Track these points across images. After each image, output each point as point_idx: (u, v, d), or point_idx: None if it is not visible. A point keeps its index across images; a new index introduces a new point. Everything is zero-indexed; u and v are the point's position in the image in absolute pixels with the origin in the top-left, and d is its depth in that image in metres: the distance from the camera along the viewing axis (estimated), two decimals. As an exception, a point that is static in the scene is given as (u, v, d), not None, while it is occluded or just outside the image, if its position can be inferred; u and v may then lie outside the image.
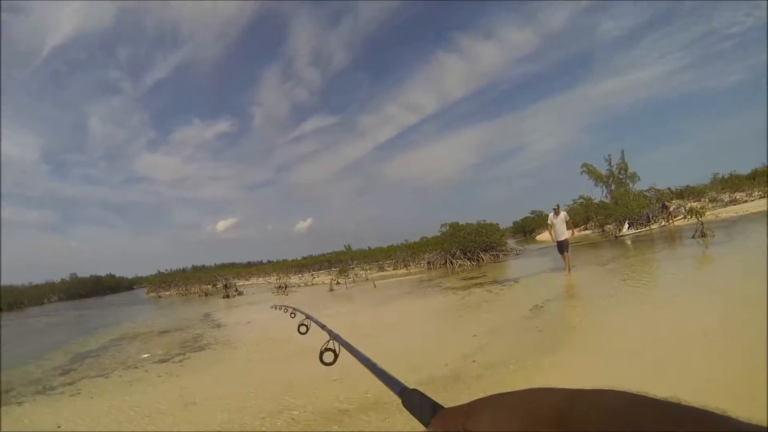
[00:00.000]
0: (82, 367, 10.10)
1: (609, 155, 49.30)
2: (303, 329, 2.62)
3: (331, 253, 51.70)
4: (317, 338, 2.14)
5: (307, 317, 2.62)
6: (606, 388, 0.42)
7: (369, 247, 48.71)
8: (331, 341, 1.60)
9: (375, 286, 22.23)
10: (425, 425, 0.59)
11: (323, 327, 1.92)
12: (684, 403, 0.37)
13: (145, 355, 10.66)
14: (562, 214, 14.37)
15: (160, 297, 41.07)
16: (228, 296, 28.27)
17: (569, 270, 13.91)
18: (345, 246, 50.66)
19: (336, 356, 1.59)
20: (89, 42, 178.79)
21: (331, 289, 24.03)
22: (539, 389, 0.46)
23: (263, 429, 5.14)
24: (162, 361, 9.64)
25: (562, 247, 14.31)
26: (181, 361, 9.51)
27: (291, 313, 2.83)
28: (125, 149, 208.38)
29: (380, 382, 0.87)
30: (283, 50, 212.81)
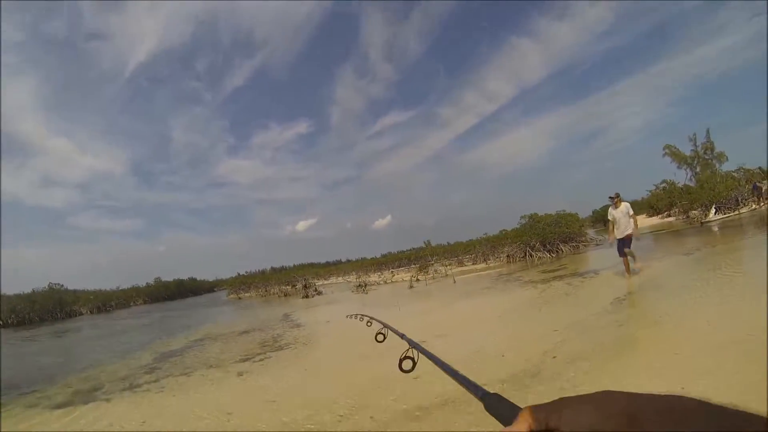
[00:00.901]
0: (166, 366, 10.68)
1: (694, 134, 46.29)
2: (380, 338, 2.65)
3: (410, 250, 51.77)
4: (397, 339, 2.09)
5: (384, 326, 2.63)
6: (677, 395, 0.47)
7: (448, 243, 48.50)
8: (410, 350, 1.66)
9: (455, 281, 22.15)
10: (506, 425, 0.63)
11: (402, 336, 2.01)
12: (755, 412, 0.41)
13: (226, 355, 11.04)
14: (624, 205, 11.92)
15: (240, 298, 42.89)
16: (307, 296, 29.02)
17: (630, 271, 11.92)
18: (424, 242, 50.55)
19: (414, 364, 1.65)
20: (169, 57, 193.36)
21: (411, 287, 24.14)
22: (614, 392, 0.51)
23: (341, 428, 5.18)
24: (242, 361, 10.01)
25: (623, 245, 11.90)
26: (261, 360, 9.83)
27: (367, 322, 2.86)
28: (207, 156, 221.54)
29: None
30: (357, 47, 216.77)
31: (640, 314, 7.88)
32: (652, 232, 29.19)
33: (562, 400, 0.54)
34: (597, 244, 28.06)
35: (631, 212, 11.85)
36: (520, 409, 0.61)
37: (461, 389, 0.92)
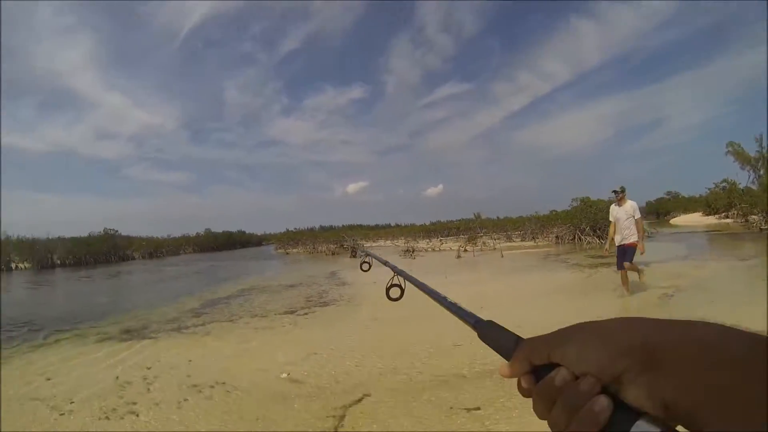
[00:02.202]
0: (212, 312, 11.25)
1: (761, 135, 43.45)
2: (365, 267, 2.67)
3: (459, 221, 51.28)
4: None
5: (367, 254, 2.66)
6: (699, 321, 0.43)
7: (498, 217, 47.81)
8: (395, 277, 1.64)
9: (502, 256, 22.10)
10: (506, 357, 0.58)
11: (386, 263, 1.96)
12: None
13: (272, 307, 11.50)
14: (629, 204, 9.67)
15: (287, 253, 44.02)
16: (355, 256, 29.46)
17: (628, 289, 9.71)
18: (474, 214, 50.11)
19: (402, 291, 1.66)
20: (223, 20, 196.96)
21: (459, 256, 24.28)
22: (627, 318, 0.47)
23: (380, 384, 5.41)
24: (287, 313, 10.39)
25: (623, 256, 9.74)
26: (305, 314, 10.22)
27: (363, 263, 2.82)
28: (259, 115, 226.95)
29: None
30: (413, 18, 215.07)
31: (686, 312, 7.72)
32: (707, 231, 28.15)
33: (569, 330, 0.49)
34: (648, 236, 27.28)
35: (638, 215, 9.61)
36: (520, 339, 0.58)
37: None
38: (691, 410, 0.38)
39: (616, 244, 9.88)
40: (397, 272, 1.61)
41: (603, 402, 0.43)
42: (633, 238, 9.47)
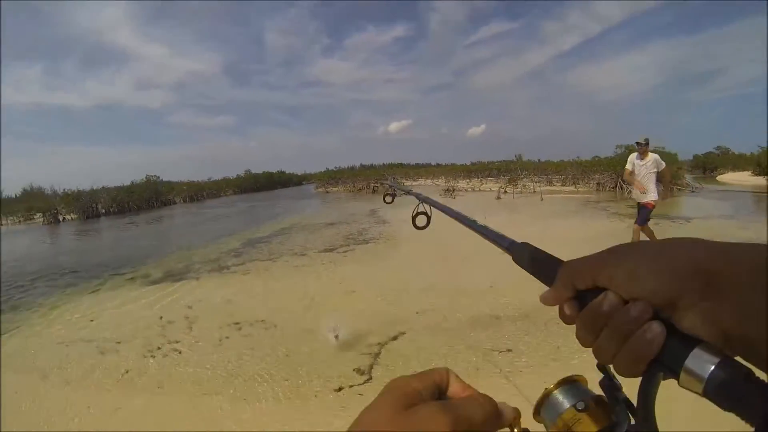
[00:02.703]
0: (253, 252, 11.49)
1: None
2: (389, 199, 2.61)
3: (500, 162, 50.58)
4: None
5: (391, 186, 2.59)
6: (748, 243, 0.39)
7: (539, 160, 46.95)
8: (421, 204, 1.62)
9: (542, 199, 21.72)
10: (546, 282, 0.54)
11: (409, 192, 1.90)
12: None
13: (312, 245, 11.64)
14: (652, 158, 8.66)
15: (327, 192, 44.36)
16: (395, 195, 29.48)
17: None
18: (516, 156, 49.43)
19: (429, 219, 1.64)
20: None
21: (498, 198, 24.08)
22: (683, 239, 0.43)
23: (414, 323, 5.49)
24: (327, 251, 10.54)
25: (643, 214, 8.76)
26: (344, 252, 10.33)
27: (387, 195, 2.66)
28: (301, 56, 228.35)
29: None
30: None
31: None
32: (755, 191, 26.96)
33: (616, 251, 0.45)
34: (692, 191, 26.31)
35: (662, 166, 8.62)
36: (561, 262, 0.54)
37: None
38: (754, 341, 0.35)
39: (638, 200, 8.91)
40: (422, 200, 1.60)
41: (656, 328, 0.39)
42: (652, 196, 8.61)
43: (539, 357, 4.40)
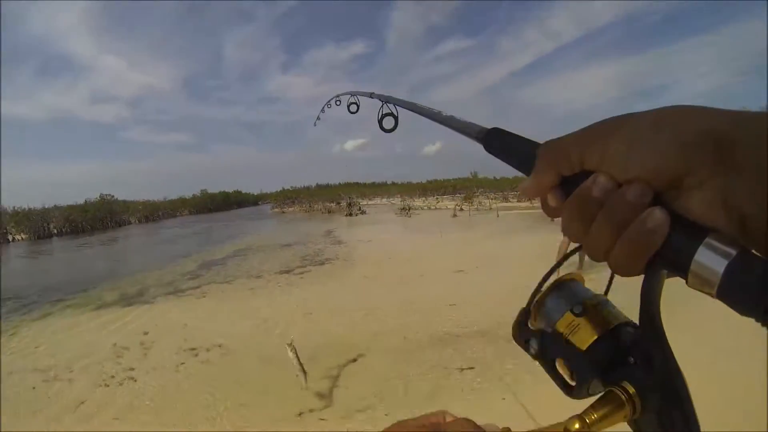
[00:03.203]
0: (209, 274, 11.27)
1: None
2: (354, 108, 2.46)
3: (456, 179, 51.25)
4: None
5: (352, 95, 2.46)
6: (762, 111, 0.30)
7: (495, 177, 47.70)
8: (384, 105, 1.46)
9: (498, 216, 22.10)
10: (525, 171, 0.46)
11: (371, 94, 1.79)
12: None
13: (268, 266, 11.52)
14: None
15: (283, 212, 43.97)
16: (351, 215, 29.57)
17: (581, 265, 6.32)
18: (471, 173, 50.07)
19: (396, 119, 1.46)
20: None
21: (454, 215, 24.39)
22: (687, 106, 0.33)
23: (375, 344, 5.47)
24: (283, 272, 10.39)
25: None
26: (301, 274, 10.23)
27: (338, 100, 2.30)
28: (259, 72, 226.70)
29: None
30: None
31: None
32: None
33: (604, 125, 0.37)
34: None
35: None
36: (537, 144, 0.45)
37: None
38: None
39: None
40: (384, 100, 1.48)
41: (658, 214, 0.32)
42: None
43: (502, 372, 4.43)
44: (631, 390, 0.37)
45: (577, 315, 0.44)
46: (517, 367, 4.45)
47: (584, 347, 0.43)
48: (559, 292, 0.49)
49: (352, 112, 2.28)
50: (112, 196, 51.07)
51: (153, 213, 53.59)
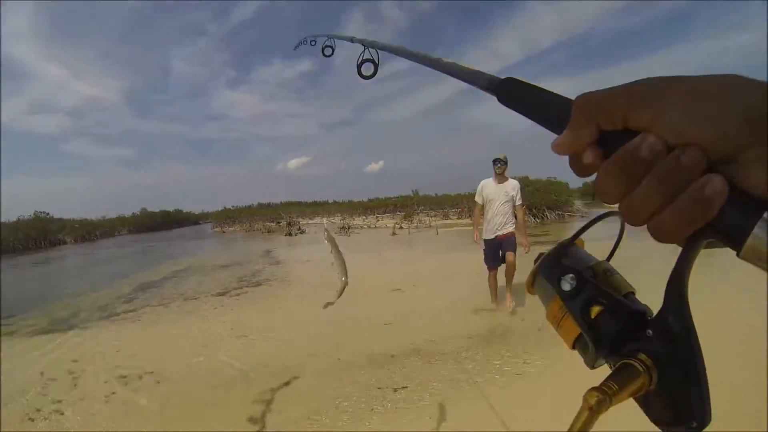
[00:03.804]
0: (144, 296, 10.92)
1: None
2: (328, 51, 2.27)
3: (397, 197, 51.47)
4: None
5: (329, 38, 2.25)
6: None
7: (436, 194, 48.19)
8: (366, 50, 1.40)
9: (438, 233, 22.52)
10: (553, 128, 0.42)
11: (352, 39, 1.59)
12: None
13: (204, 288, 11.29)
14: (511, 183, 6.79)
15: (224, 232, 43.10)
16: (290, 234, 29.26)
17: (496, 298, 7.15)
18: (412, 191, 50.47)
19: (376, 66, 1.41)
20: None
21: (394, 234, 24.62)
22: (731, 76, 0.31)
23: (309, 367, 5.47)
24: (219, 294, 10.23)
25: (496, 250, 6.88)
26: (237, 295, 10.09)
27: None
28: (206, 88, 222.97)
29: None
30: None
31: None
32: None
33: (654, 84, 0.34)
34: (582, 216, 28.26)
35: (519, 199, 6.75)
36: (565, 98, 0.42)
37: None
38: None
39: (486, 237, 6.92)
40: (367, 45, 1.42)
41: (718, 183, 0.30)
42: (509, 227, 6.71)
43: (432, 390, 4.50)
44: (648, 362, 0.36)
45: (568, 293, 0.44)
46: (446, 385, 4.58)
47: (622, 293, 0.42)
48: (554, 261, 0.50)
49: (326, 55, 2.23)
50: (48, 214, 48.56)
51: (90, 232, 51.39)
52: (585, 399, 0.35)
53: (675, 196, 0.31)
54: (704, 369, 0.34)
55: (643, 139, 0.33)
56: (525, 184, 28.58)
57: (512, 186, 6.74)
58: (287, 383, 5.03)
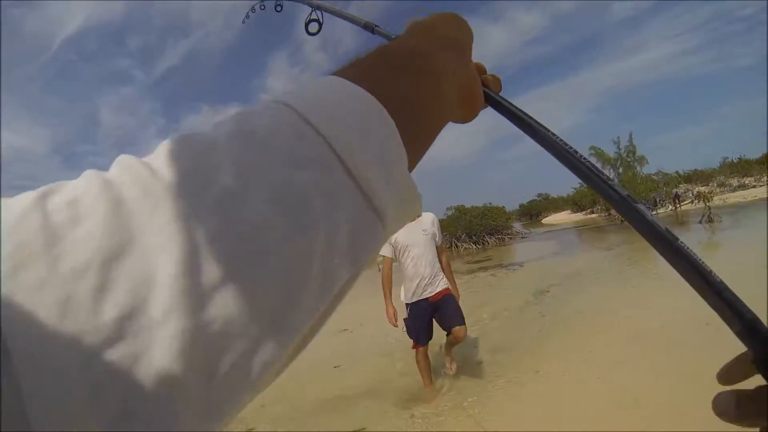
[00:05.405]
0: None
1: (618, 137, 48.05)
2: (278, 8, 2.13)
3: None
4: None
5: (316, 8, 2.10)
6: None
7: None
8: (314, 11, 1.37)
9: (379, 270, 22.04)
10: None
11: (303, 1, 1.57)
12: None
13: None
14: (428, 218, 4.74)
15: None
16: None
17: (429, 382, 4.80)
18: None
19: (320, 25, 1.39)
20: (100, 33, 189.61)
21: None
22: None
23: (261, 415, 5.00)
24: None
25: (429, 314, 4.69)
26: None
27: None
28: (135, 137, 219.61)
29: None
30: (292, 37, 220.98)
31: (563, 304, 7.57)
32: (576, 227, 29.57)
33: None
34: (522, 237, 28.24)
35: (439, 238, 4.81)
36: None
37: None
38: None
39: (409, 300, 4.82)
40: (314, 6, 1.39)
41: None
42: (443, 280, 4.66)
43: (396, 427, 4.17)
44: None
45: None
46: (406, 422, 4.26)
47: None
48: None
49: (277, 11, 2.14)
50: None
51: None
52: None
53: None
54: None
55: None
56: (461, 213, 28.30)
57: (429, 221, 4.72)
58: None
